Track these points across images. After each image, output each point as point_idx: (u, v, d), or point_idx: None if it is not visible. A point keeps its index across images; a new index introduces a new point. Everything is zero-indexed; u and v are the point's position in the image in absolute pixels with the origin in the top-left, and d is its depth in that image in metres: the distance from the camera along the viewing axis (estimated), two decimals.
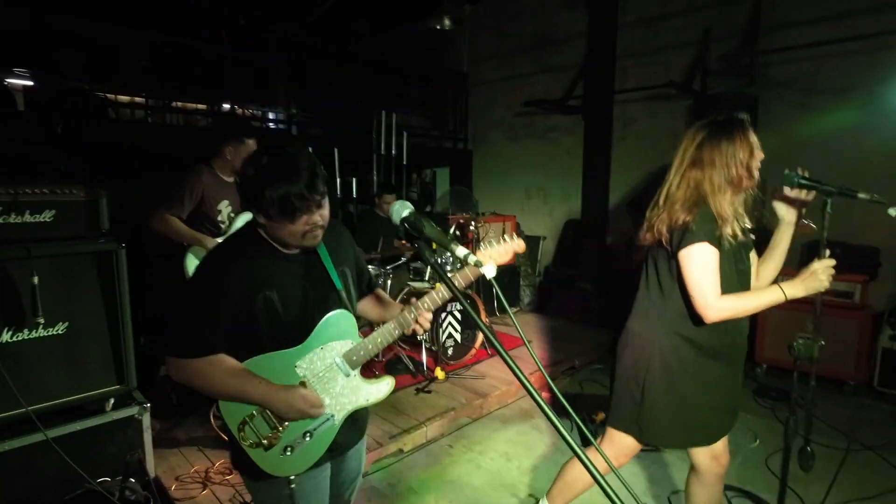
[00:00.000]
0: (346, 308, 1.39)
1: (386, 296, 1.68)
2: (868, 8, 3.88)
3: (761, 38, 4.35)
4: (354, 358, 1.37)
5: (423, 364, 3.69)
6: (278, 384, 1.29)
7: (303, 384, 1.33)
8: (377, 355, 2.02)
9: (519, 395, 3.68)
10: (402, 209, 1.03)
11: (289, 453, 1.32)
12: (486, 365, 3.96)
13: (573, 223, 6.00)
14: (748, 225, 1.69)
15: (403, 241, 4.17)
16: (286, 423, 1.31)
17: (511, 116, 6.48)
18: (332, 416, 1.36)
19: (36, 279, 1.92)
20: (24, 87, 5.18)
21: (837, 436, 3.05)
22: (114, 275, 2.15)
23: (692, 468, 1.90)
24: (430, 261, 0.91)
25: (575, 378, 4.02)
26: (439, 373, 3.60)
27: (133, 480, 2.18)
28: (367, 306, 1.63)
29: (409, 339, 3.90)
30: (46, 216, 2.02)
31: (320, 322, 1.33)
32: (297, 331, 1.32)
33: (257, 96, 6.12)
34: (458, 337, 3.93)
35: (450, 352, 3.86)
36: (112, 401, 2.18)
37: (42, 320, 1.95)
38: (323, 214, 1.26)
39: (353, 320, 1.40)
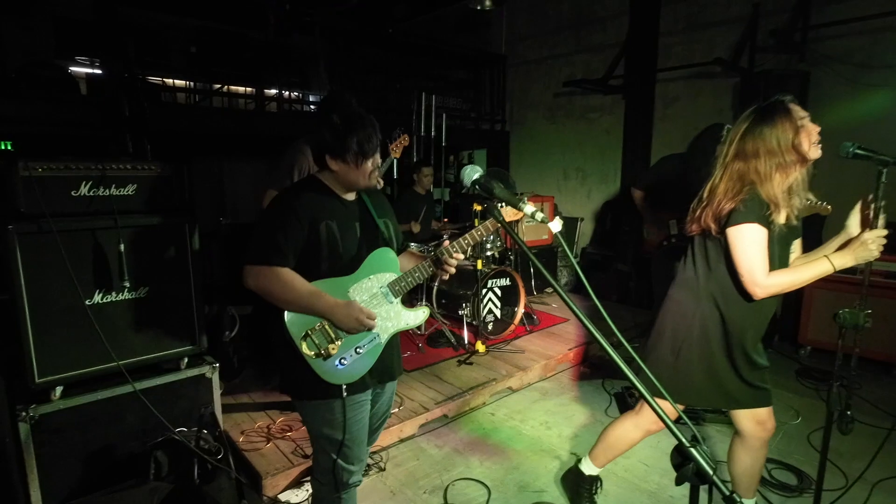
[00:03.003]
0: (390, 246, 1.65)
1: (417, 251, 1.87)
2: None
3: (814, 12, 4.20)
4: (397, 287, 1.62)
5: (464, 338, 3.82)
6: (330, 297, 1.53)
7: None
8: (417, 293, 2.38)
9: (557, 369, 3.78)
10: (473, 172, 1.13)
11: (342, 364, 1.55)
12: (525, 340, 4.06)
13: (611, 205, 5.98)
14: (811, 199, 1.69)
15: (445, 220, 4.27)
16: (342, 338, 1.55)
17: (549, 97, 6.46)
18: (378, 335, 1.61)
19: (123, 246, 2.12)
20: (87, 74, 5.49)
21: (882, 415, 3.03)
22: (186, 245, 2.33)
23: (736, 433, 1.95)
24: (499, 219, 1.01)
25: (620, 353, 4.06)
26: (480, 346, 3.72)
27: (206, 432, 2.38)
28: (403, 261, 1.78)
29: (451, 315, 4.03)
30: (129, 189, 2.20)
31: (368, 255, 1.58)
32: (350, 262, 1.56)
33: (300, 80, 6.30)
34: (497, 313, 4.03)
35: (490, 327, 3.97)
36: (186, 360, 2.38)
37: (128, 284, 2.15)
38: (378, 159, 1.57)
39: (395, 256, 1.66)
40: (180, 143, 4.76)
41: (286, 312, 1.51)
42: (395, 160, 3.50)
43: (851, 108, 3.99)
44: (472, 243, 1.61)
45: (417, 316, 1.70)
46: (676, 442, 0.83)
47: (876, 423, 2.89)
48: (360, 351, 1.59)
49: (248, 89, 6.35)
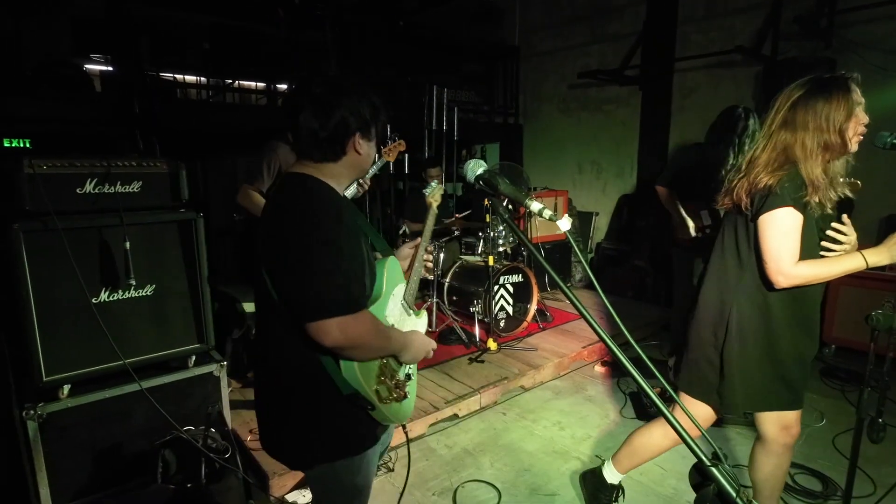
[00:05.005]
0: (388, 249, 1.46)
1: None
2: None
3: None
4: (409, 298, 1.46)
5: (475, 335, 3.76)
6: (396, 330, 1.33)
7: None
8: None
9: (571, 367, 3.70)
10: (476, 167, 1.07)
11: (407, 398, 1.39)
12: (538, 338, 3.98)
13: (627, 199, 5.85)
14: (847, 194, 1.58)
15: (456, 215, 4.21)
16: (399, 370, 1.37)
17: (564, 89, 6.33)
18: None
19: (128, 244, 2.10)
20: (101, 71, 5.53)
21: None
22: (193, 242, 2.31)
23: (758, 438, 1.85)
24: (504, 216, 0.95)
25: (629, 354, 3.97)
26: (491, 344, 3.66)
27: (214, 430, 2.37)
28: None
29: (462, 311, 3.97)
30: (135, 187, 2.18)
31: (387, 267, 1.34)
32: (374, 277, 1.30)
33: (311, 75, 6.26)
34: (510, 310, 3.97)
35: (502, 324, 3.91)
36: (193, 358, 2.37)
37: (134, 282, 2.13)
38: None
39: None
40: (195, 139, 4.77)
41: (348, 363, 1.20)
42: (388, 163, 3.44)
43: (881, 97, 3.81)
44: (430, 229, 1.55)
45: (424, 320, 1.57)
46: (701, 451, 0.76)
47: None
48: (411, 378, 1.44)
49: (260, 85, 6.34)
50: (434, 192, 1.63)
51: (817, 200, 1.52)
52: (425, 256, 1.52)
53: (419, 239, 1.54)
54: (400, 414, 1.37)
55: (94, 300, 2.05)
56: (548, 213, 0.95)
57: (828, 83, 1.53)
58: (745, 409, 1.76)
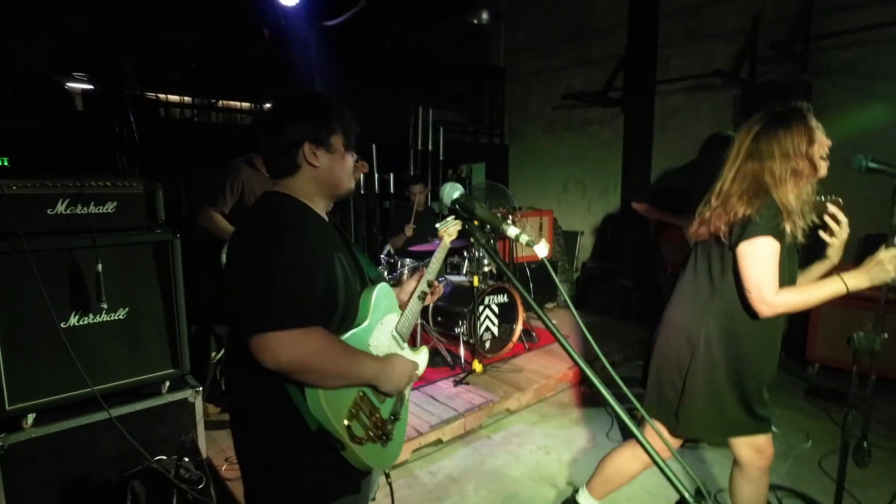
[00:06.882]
0: (381, 277, 1.35)
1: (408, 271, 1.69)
2: None
3: (815, 22, 4.15)
4: (403, 330, 1.34)
5: (460, 357, 3.71)
6: (372, 355, 1.19)
7: None
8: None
9: (557, 389, 3.66)
10: (452, 191, 1.05)
11: (392, 440, 1.23)
12: (524, 359, 3.94)
13: (612, 218, 5.89)
14: (814, 221, 1.62)
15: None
16: (381, 406, 1.21)
17: (548, 110, 6.41)
18: (407, 389, 1.35)
19: (100, 266, 2.03)
20: (83, 89, 5.48)
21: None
22: (169, 263, 2.25)
23: (735, 463, 1.84)
24: (481, 241, 0.93)
25: (608, 374, 3.94)
26: (477, 365, 3.61)
27: (187, 460, 2.28)
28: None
29: (447, 332, 3.93)
30: (109, 207, 2.13)
31: (375, 295, 1.23)
32: (356, 304, 1.20)
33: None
34: (495, 330, 3.93)
35: (487, 345, 3.86)
36: (167, 383, 2.29)
37: (105, 305, 2.06)
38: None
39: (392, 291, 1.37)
40: (179, 158, 4.72)
41: (313, 391, 1.06)
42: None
43: (855, 120, 3.91)
44: (439, 262, 1.46)
45: (423, 358, 1.42)
46: (679, 482, 0.74)
47: (892, 445, 2.76)
48: (398, 418, 1.29)
49: (245, 105, 6.33)
50: (448, 227, 1.48)
51: (791, 227, 1.54)
52: (433, 292, 1.44)
53: (423, 270, 1.44)
54: (380, 459, 1.21)
55: (62, 324, 1.97)
56: (525, 238, 0.93)
57: (784, 114, 1.58)
58: (715, 436, 1.75)
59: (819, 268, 1.76)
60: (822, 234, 1.66)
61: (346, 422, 1.10)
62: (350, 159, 1.23)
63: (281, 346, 0.98)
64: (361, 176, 4.15)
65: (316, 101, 1.19)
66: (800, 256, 1.69)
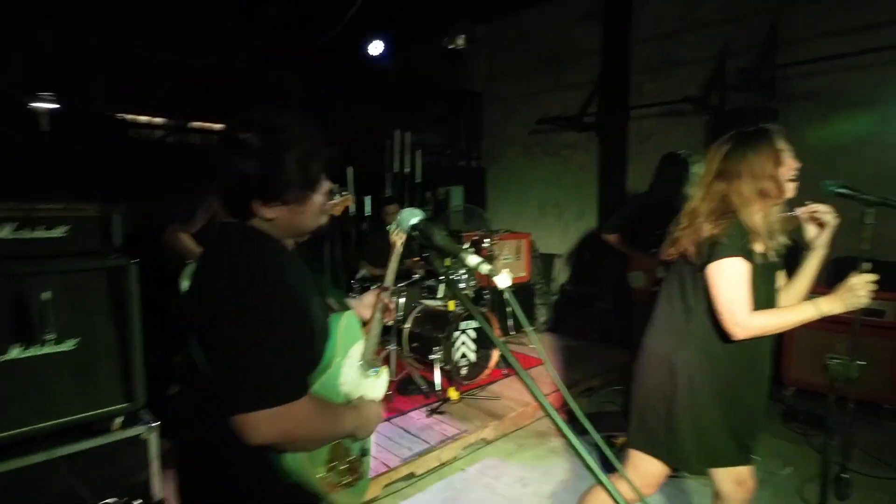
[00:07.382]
0: (345, 305, 1.27)
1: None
2: (891, 21, 3.80)
3: (781, 52, 4.28)
4: (368, 357, 1.27)
5: (435, 384, 3.60)
6: (349, 406, 1.15)
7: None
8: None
9: (536, 416, 3.57)
10: (410, 216, 0.99)
11: (362, 478, 1.21)
12: (502, 385, 3.86)
13: (589, 240, 5.91)
14: (784, 241, 1.61)
15: (416, 258, 4.12)
16: (352, 446, 1.18)
17: (526, 134, 6.47)
18: None
19: (48, 294, 1.91)
20: (50, 109, 5.33)
21: (875, 462, 2.88)
22: (124, 291, 2.13)
23: (715, 495, 1.78)
24: (439, 270, 0.87)
25: (594, 399, 3.89)
26: (452, 393, 3.51)
27: (140, 502, 2.12)
28: None
29: (422, 359, 3.82)
30: (60, 231, 2.01)
31: (342, 327, 1.15)
32: (323, 341, 1.11)
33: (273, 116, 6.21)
34: (472, 356, 3.84)
35: (463, 371, 3.77)
36: (120, 419, 2.14)
37: (52, 336, 1.93)
38: (327, 183, 1.11)
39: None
40: (153, 179, 4.59)
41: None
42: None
43: (821, 145, 4.01)
44: (394, 271, 1.42)
45: (384, 381, 1.36)
46: None
47: (870, 471, 2.74)
48: (367, 452, 1.28)
49: (221, 126, 6.24)
50: (393, 232, 1.44)
51: (761, 248, 1.53)
52: (386, 299, 1.40)
53: (385, 283, 1.41)
54: (355, 498, 1.19)
55: (1, 358, 1.83)
56: (485, 267, 0.87)
57: (752, 135, 1.60)
58: (699, 466, 1.69)
59: (812, 262, 1.68)
60: (810, 228, 1.63)
61: (323, 474, 1.07)
62: (317, 198, 1.06)
63: (270, 423, 0.92)
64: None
65: (266, 135, 1.00)
66: (780, 271, 1.67)
